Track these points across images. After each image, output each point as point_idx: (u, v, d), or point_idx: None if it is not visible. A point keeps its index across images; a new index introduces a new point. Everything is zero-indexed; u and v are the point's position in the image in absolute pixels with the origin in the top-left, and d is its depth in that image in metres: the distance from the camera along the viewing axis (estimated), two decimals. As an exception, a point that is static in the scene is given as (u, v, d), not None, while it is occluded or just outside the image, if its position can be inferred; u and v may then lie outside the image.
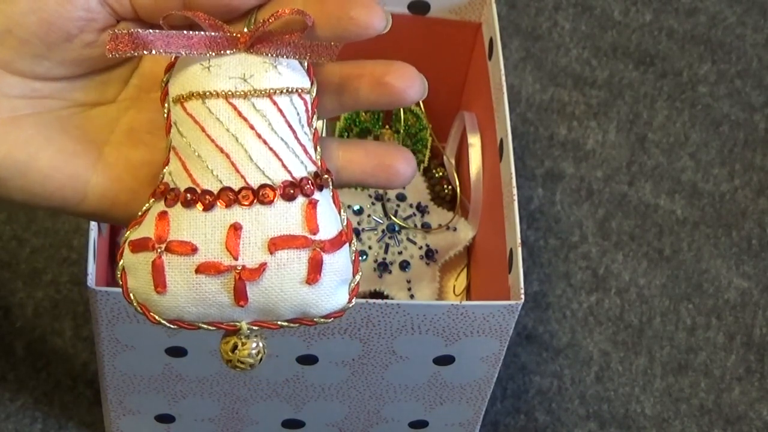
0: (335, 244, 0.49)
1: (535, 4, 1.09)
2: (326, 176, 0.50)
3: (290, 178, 0.49)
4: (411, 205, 0.89)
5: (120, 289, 0.49)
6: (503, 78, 0.79)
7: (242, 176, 0.48)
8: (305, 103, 0.50)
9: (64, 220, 0.91)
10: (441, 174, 0.92)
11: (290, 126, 0.49)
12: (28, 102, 0.50)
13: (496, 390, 0.87)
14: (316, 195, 0.49)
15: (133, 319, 0.70)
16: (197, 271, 0.48)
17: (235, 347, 0.49)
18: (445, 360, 0.74)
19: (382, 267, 0.86)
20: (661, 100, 1.04)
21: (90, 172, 0.51)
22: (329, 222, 0.49)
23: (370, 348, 0.73)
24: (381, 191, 0.89)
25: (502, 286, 0.74)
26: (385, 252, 0.87)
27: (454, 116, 0.92)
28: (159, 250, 0.48)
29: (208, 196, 0.48)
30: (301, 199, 0.48)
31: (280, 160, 0.49)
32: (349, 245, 0.49)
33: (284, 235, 0.48)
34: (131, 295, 0.49)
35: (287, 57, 0.49)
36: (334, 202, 0.50)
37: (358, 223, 0.88)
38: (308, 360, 0.74)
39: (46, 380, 0.85)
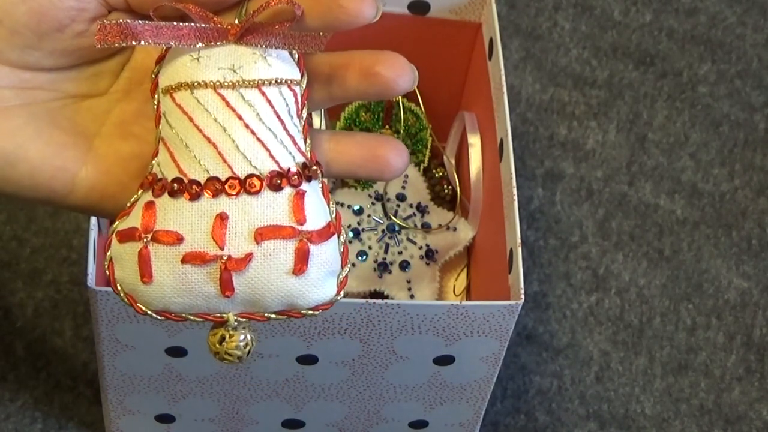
0: (323, 235, 0.48)
1: (535, 4, 1.09)
2: (315, 168, 0.49)
3: (277, 169, 0.48)
4: (411, 205, 0.89)
5: None
6: (503, 78, 0.79)
7: (229, 166, 0.48)
8: (295, 95, 0.49)
9: (64, 220, 0.91)
10: (441, 174, 0.92)
11: (279, 117, 0.49)
12: (18, 93, 0.50)
13: (496, 390, 0.87)
14: (304, 186, 0.49)
15: (133, 319, 0.70)
16: (183, 260, 0.48)
17: (222, 339, 0.49)
18: (445, 360, 0.74)
19: (382, 267, 0.86)
20: (661, 100, 1.04)
21: (79, 164, 0.50)
22: (317, 213, 0.49)
23: (370, 348, 0.73)
24: (381, 191, 0.89)
25: (502, 286, 0.74)
26: (385, 252, 0.87)
27: (454, 116, 0.92)
28: (145, 240, 0.48)
29: (194, 186, 0.48)
30: (288, 190, 0.48)
31: (268, 150, 0.48)
32: (338, 237, 0.49)
33: (271, 225, 0.48)
34: (118, 285, 0.49)
35: (276, 47, 0.49)
36: (323, 194, 0.50)
37: (358, 223, 0.88)
38: (308, 360, 0.74)
39: (46, 380, 0.85)
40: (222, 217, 0.48)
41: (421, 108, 0.92)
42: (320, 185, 0.50)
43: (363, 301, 0.69)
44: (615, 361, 0.90)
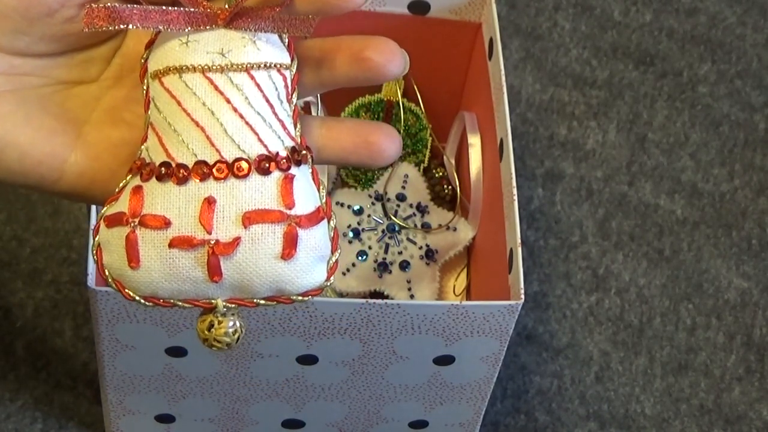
0: (312, 219, 0.48)
1: (535, 4, 1.09)
2: (305, 152, 0.49)
3: (266, 152, 0.48)
4: (411, 205, 0.89)
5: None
6: (503, 78, 0.79)
7: (217, 150, 0.48)
8: (284, 79, 0.49)
9: (64, 220, 0.91)
10: (441, 174, 0.92)
11: (268, 101, 0.49)
12: (8, 78, 0.50)
13: (496, 390, 0.87)
14: (293, 170, 0.48)
15: (133, 319, 0.70)
16: (170, 245, 0.47)
17: (211, 326, 0.49)
18: (445, 360, 0.74)
19: (382, 267, 0.86)
20: (661, 100, 1.04)
21: (69, 150, 0.50)
22: (306, 197, 0.48)
23: (370, 348, 0.73)
24: (381, 191, 0.89)
25: (502, 286, 0.74)
26: (385, 252, 0.87)
27: (454, 116, 0.92)
28: (133, 225, 0.48)
29: (182, 170, 0.48)
30: (276, 174, 0.48)
31: (256, 134, 0.48)
32: (328, 222, 0.49)
33: (259, 209, 0.47)
34: (106, 271, 0.49)
35: (265, 31, 0.49)
36: (313, 179, 0.49)
37: (358, 223, 0.88)
38: (308, 360, 0.74)
39: (46, 380, 0.85)
40: (209, 201, 0.47)
41: (421, 108, 0.92)
42: (310, 170, 0.49)
43: (363, 301, 0.69)
44: (615, 361, 0.90)
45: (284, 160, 0.48)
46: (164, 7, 0.48)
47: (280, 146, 0.48)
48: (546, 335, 0.90)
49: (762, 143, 1.03)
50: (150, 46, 0.50)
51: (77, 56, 0.52)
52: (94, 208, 0.72)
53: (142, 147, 0.49)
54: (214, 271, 0.47)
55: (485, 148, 0.86)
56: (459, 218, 0.89)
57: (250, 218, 0.47)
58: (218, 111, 0.48)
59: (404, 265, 0.86)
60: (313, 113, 0.87)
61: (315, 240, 0.48)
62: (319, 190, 0.49)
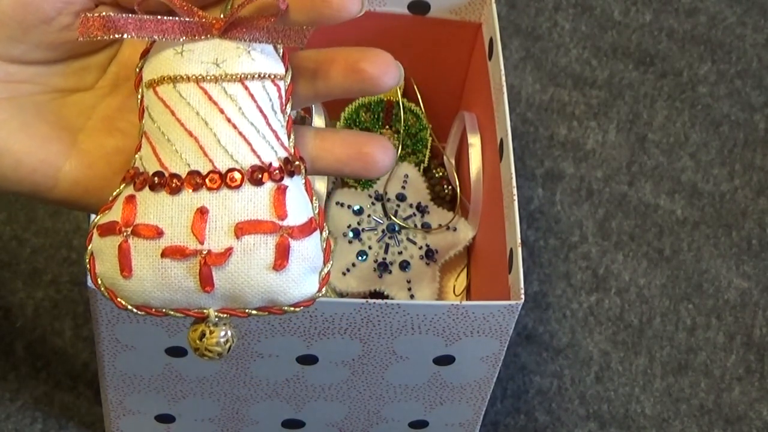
0: (304, 230, 0.48)
1: (535, 4, 1.09)
2: (298, 163, 0.49)
3: (259, 163, 0.48)
4: (411, 205, 0.89)
5: None
6: (503, 78, 0.79)
7: (210, 160, 0.48)
8: (279, 89, 0.49)
9: (64, 220, 0.91)
10: (441, 174, 0.92)
11: (262, 111, 0.49)
12: (3, 86, 0.50)
13: (496, 390, 0.87)
14: (286, 181, 0.48)
15: (133, 319, 0.70)
16: (163, 255, 0.47)
17: (203, 335, 0.49)
18: (445, 360, 0.74)
19: (382, 267, 0.86)
20: (661, 100, 1.04)
21: (63, 158, 0.50)
22: (299, 208, 0.48)
23: (370, 348, 0.73)
24: (381, 191, 0.89)
25: (502, 286, 0.74)
26: (385, 252, 0.87)
27: (454, 116, 0.92)
28: (125, 234, 0.48)
29: (175, 180, 0.48)
30: (269, 185, 0.48)
31: (250, 144, 0.48)
32: (320, 233, 0.49)
33: (251, 220, 0.47)
34: (99, 279, 0.49)
35: (260, 42, 0.49)
36: (306, 190, 0.49)
37: (358, 223, 0.88)
38: (308, 360, 0.74)
39: (46, 380, 0.85)
40: (202, 211, 0.47)
41: (421, 108, 0.92)
42: (303, 180, 0.49)
43: (363, 301, 0.69)
44: (615, 361, 0.90)
45: (277, 171, 0.48)
46: (159, 17, 0.48)
47: (273, 157, 0.48)
48: (546, 335, 0.90)
49: (762, 143, 1.03)
50: (145, 55, 0.50)
51: (73, 64, 0.52)
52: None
53: (136, 156, 0.49)
54: (205, 282, 0.47)
55: (485, 148, 0.86)
56: (459, 218, 0.89)
57: (242, 229, 0.47)
58: (212, 121, 0.48)
59: (404, 265, 0.86)
60: (314, 114, 0.87)
61: (307, 251, 0.48)
62: (312, 200, 0.49)
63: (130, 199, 0.48)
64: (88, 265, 0.49)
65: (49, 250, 0.90)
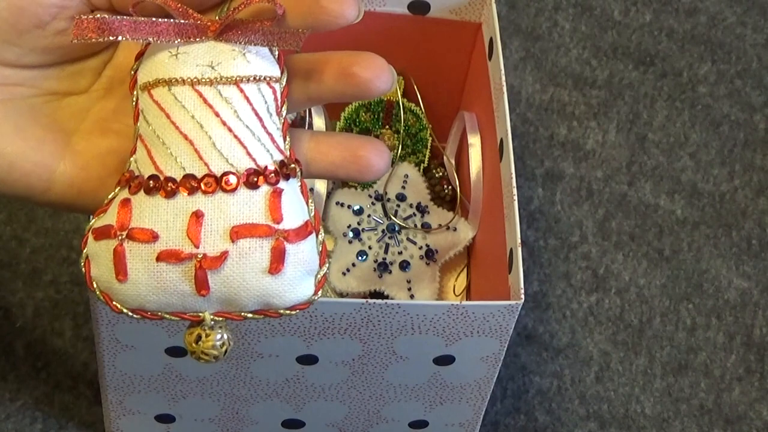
0: (300, 234, 0.48)
1: (535, 4, 1.09)
2: (293, 166, 0.49)
3: (254, 166, 0.48)
4: (411, 205, 0.89)
5: None
6: (503, 78, 0.79)
7: (205, 163, 0.48)
8: (274, 92, 0.49)
9: (64, 220, 0.91)
10: (441, 174, 0.92)
11: (257, 114, 0.49)
12: None
13: (496, 390, 0.87)
14: (282, 184, 0.48)
15: (133, 319, 0.70)
16: (158, 258, 0.47)
17: (199, 338, 0.49)
18: (445, 360, 0.74)
19: (382, 267, 0.86)
20: (661, 100, 1.04)
21: (57, 160, 0.50)
22: (294, 211, 0.48)
23: (370, 348, 0.73)
24: (381, 191, 0.89)
25: (502, 286, 0.74)
26: (385, 252, 0.87)
27: (454, 116, 0.92)
28: (120, 238, 0.48)
29: (170, 184, 0.48)
30: (265, 188, 0.48)
31: (245, 147, 0.48)
32: (316, 236, 0.49)
33: (246, 224, 0.47)
34: (94, 283, 0.49)
35: (255, 44, 0.49)
36: (302, 193, 0.49)
37: (358, 223, 0.88)
38: (308, 360, 0.74)
39: (46, 380, 0.85)
40: (197, 215, 0.47)
41: (421, 108, 0.92)
42: (299, 183, 0.49)
43: (363, 301, 0.69)
44: (615, 361, 0.90)
45: (273, 174, 0.48)
46: (154, 19, 0.48)
47: (268, 160, 0.48)
48: (546, 335, 0.90)
49: (762, 143, 1.03)
50: (140, 57, 0.50)
51: (68, 68, 0.52)
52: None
53: (131, 159, 0.49)
54: (201, 285, 0.47)
55: (485, 148, 0.86)
56: (459, 218, 0.89)
57: (237, 232, 0.47)
58: (207, 124, 0.48)
59: (404, 265, 0.86)
60: (314, 114, 0.87)
61: (303, 254, 0.48)
62: (308, 203, 0.49)
63: (125, 202, 0.48)
64: (83, 269, 0.49)
65: (49, 250, 0.90)
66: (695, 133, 1.03)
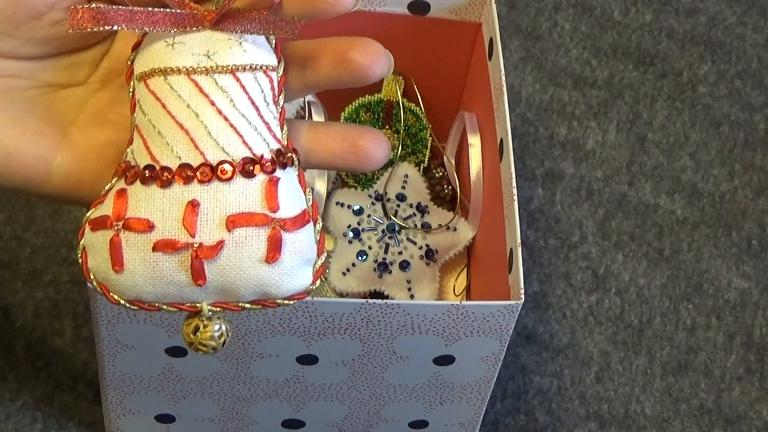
0: (297, 222, 0.47)
1: (535, 4, 1.09)
2: (290, 154, 0.48)
3: (250, 155, 0.48)
4: (411, 205, 0.89)
5: None
6: (503, 78, 0.79)
7: (201, 152, 0.47)
8: (271, 81, 0.49)
9: (64, 220, 0.91)
10: (441, 174, 0.92)
11: (253, 103, 0.48)
12: None
13: (496, 390, 0.87)
14: (278, 173, 0.48)
15: (133, 319, 0.70)
16: (154, 248, 0.47)
17: (196, 329, 0.48)
18: (445, 360, 0.74)
19: (382, 267, 0.86)
20: (661, 100, 1.04)
21: (55, 151, 0.50)
22: (291, 200, 0.48)
23: (370, 348, 0.73)
24: (381, 191, 0.89)
25: (502, 286, 0.74)
26: (385, 252, 0.87)
27: (454, 116, 0.92)
28: (116, 228, 0.47)
29: (166, 173, 0.47)
30: (261, 177, 0.47)
31: (241, 136, 0.48)
32: (314, 225, 0.48)
33: (243, 213, 0.47)
34: (91, 274, 0.48)
35: (251, 33, 0.48)
36: (299, 181, 0.49)
37: (358, 223, 0.88)
38: (308, 360, 0.74)
39: (46, 380, 0.85)
40: (193, 204, 0.47)
41: (421, 108, 0.92)
42: (296, 172, 0.49)
43: (363, 301, 0.69)
44: (615, 361, 0.90)
45: (269, 163, 0.48)
46: (150, 9, 0.48)
47: (265, 149, 0.48)
48: (546, 335, 0.90)
49: (762, 143, 1.03)
50: (137, 47, 0.49)
51: (65, 60, 0.51)
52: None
53: (128, 150, 0.49)
54: (197, 275, 0.47)
55: (485, 148, 0.86)
56: (459, 218, 0.89)
57: (233, 221, 0.47)
58: (202, 113, 0.48)
59: (404, 265, 0.86)
60: (314, 114, 0.87)
61: (300, 243, 0.48)
62: (305, 192, 0.49)
63: (122, 192, 0.48)
64: (80, 260, 0.49)
65: (49, 250, 0.90)
66: (695, 133, 1.03)
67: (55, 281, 0.89)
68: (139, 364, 0.74)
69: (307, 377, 0.75)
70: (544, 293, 0.92)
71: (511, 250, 0.74)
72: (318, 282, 0.49)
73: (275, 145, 0.48)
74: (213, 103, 0.48)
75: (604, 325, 0.91)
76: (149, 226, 0.47)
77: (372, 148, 0.50)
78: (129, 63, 0.49)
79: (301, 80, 0.50)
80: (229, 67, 0.48)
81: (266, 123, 0.48)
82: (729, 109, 1.04)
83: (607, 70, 1.06)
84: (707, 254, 0.96)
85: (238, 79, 0.48)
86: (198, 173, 0.47)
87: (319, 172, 0.88)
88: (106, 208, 0.48)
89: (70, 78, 0.52)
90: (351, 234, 0.87)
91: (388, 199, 0.89)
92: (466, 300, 0.89)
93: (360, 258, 0.86)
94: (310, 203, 0.49)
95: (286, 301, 0.48)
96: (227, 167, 0.47)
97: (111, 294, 0.48)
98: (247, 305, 0.48)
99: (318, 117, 0.87)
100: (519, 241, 0.72)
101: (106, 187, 0.49)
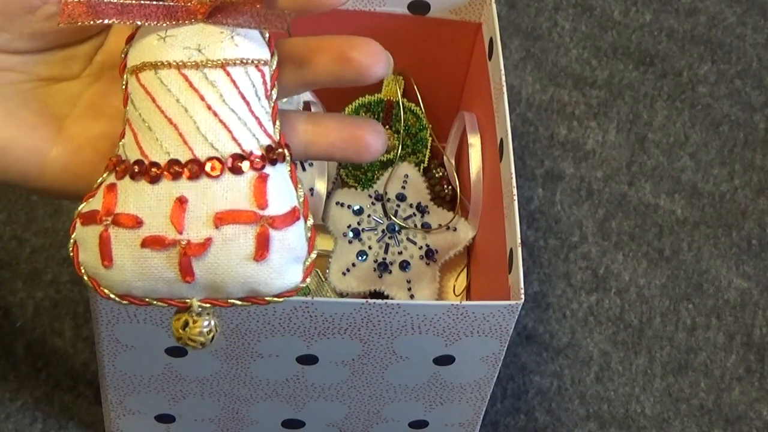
0: (286, 220, 0.47)
1: (535, 4, 1.09)
2: (281, 150, 0.48)
3: (239, 151, 0.47)
4: (411, 205, 0.89)
5: None
6: (503, 78, 0.79)
7: (190, 148, 0.47)
8: (263, 75, 0.48)
9: (64, 219, 0.91)
10: (441, 174, 0.92)
11: (244, 98, 0.48)
12: None
13: (496, 390, 0.87)
14: (268, 169, 0.47)
15: (133, 319, 0.70)
16: (142, 244, 0.47)
17: (186, 324, 0.48)
18: (445, 360, 0.74)
19: (382, 267, 0.86)
20: (661, 100, 1.04)
21: (50, 144, 0.50)
22: (281, 197, 0.47)
23: (370, 348, 0.73)
24: (381, 191, 0.89)
25: (502, 286, 0.74)
26: (385, 252, 0.87)
27: (454, 116, 0.92)
28: (106, 223, 0.47)
29: (154, 169, 0.47)
30: (250, 173, 0.47)
31: (230, 132, 0.47)
32: (305, 222, 0.48)
33: (231, 210, 0.47)
34: (82, 268, 0.48)
35: (244, 26, 0.48)
36: (291, 178, 0.49)
37: (358, 223, 0.88)
38: (308, 360, 0.74)
39: (46, 380, 0.85)
40: (181, 201, 0.47)
41: (421, 108, 0.92)
42: (288, 168, 0.48)
43: (363, 301, 0.69)
44: (615, 361, 0.90)
45: (258, 159, 0.47)
46: (143, 1, 0.48)
47: (254, 145, 0.48)
48: (546, 335, 0.90)
49: (762, 143, 1.03)
50: (130, 40, 0.49)
51: (59, 54, 0.51)
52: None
53: (120, 143, 0.49)
54: (185, 272, 0.47)
55: (485, 148, 0.86)
56: (459, 218, 0.89)
57: (221, 219, 0.46)
58: (192, 108, 0.47)
59: (404, 265, 0.86)
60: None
61: (289, 241, 0.47)
62: (296, 189, 0.48)
63: (111, 187, 0.48)
64: (71, 254, 0.49)
65: (49, 250, 0.90)
66: (695, 133, 1.03)
67: (55, 281, 0.89)
68: (139, 364, 0.74)
69: (307, 377, 0.75)
70: (544, 293, 0.92)
71: (511, 250, 0.74)
72: (308, 279, 0.48)
73: (266, 141, 0.48)
74: (202, 98, 0.47)
75: (604, 325, 0.91)
76: (138, 222, 0.47)
77: (370, 137, 0.50)
78: (122, 56, 0.49)
79: (299, 77, 0.50)
80: (220, 62, 0.48)
81: (257, 118, 0.48)
82: (729, 109, 1.04)
83: (607, 70, 1.06)
84: (707, 254, 0.96)
85: (228, 74, 0.48)
86: (186, 169, 0.47)
87: (319, 172, 0.88)
88: (96, 203, 0.48)
89: (64, 72, 0.52)
90: (351, 234, 0.87)
91: (388, 199, 0.89)
92: (466, 300, 0.89)
93: (360, 258, 0.86)
94: (302, 200, 0.48)
95: (275, 299, 0.48)
96: (216, 164, 0.47)
97: (101, 288, 0.48)
98: (237, 302, 0.48)
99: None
100: (519, 241, 0.72)
101: (98, 181, 0.49)
